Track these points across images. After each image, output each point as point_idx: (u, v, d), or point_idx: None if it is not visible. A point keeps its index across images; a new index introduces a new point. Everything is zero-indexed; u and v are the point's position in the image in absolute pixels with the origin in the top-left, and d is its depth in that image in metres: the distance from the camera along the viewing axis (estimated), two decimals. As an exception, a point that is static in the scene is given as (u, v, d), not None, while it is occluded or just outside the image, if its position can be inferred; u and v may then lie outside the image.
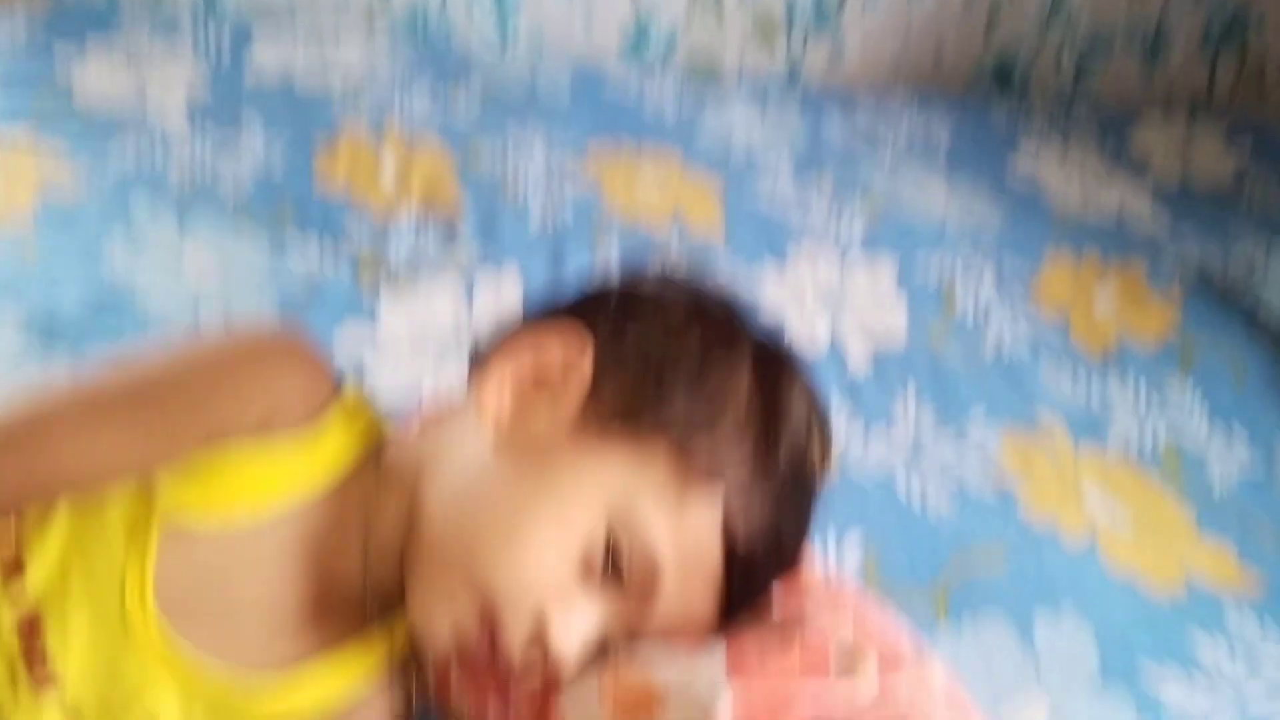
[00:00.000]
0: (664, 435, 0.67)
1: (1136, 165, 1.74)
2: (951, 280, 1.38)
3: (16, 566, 0.66)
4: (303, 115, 1.43)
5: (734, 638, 0.72)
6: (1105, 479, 1.13)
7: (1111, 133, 1.80)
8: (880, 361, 1.23)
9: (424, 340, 1.14)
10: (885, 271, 1.38)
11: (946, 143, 1.70)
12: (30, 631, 0.65)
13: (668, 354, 0.70)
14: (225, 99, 1.43)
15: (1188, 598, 1.02)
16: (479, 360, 0.77)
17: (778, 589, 0.75)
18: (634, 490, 0.66)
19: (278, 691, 0.70)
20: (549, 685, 0.75)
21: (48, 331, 1.03)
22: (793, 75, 1.91)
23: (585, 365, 0.70)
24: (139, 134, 1.32)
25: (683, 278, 0.79)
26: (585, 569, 0.67)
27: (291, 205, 1.27)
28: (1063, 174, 1.67)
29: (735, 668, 0.70)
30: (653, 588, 0.67)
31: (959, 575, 0.99)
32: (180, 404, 0.68)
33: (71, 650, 0.66)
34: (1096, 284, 1.44)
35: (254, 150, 1.35)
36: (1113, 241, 1.53)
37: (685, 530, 0.66)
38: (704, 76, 1.79)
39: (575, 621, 0.67)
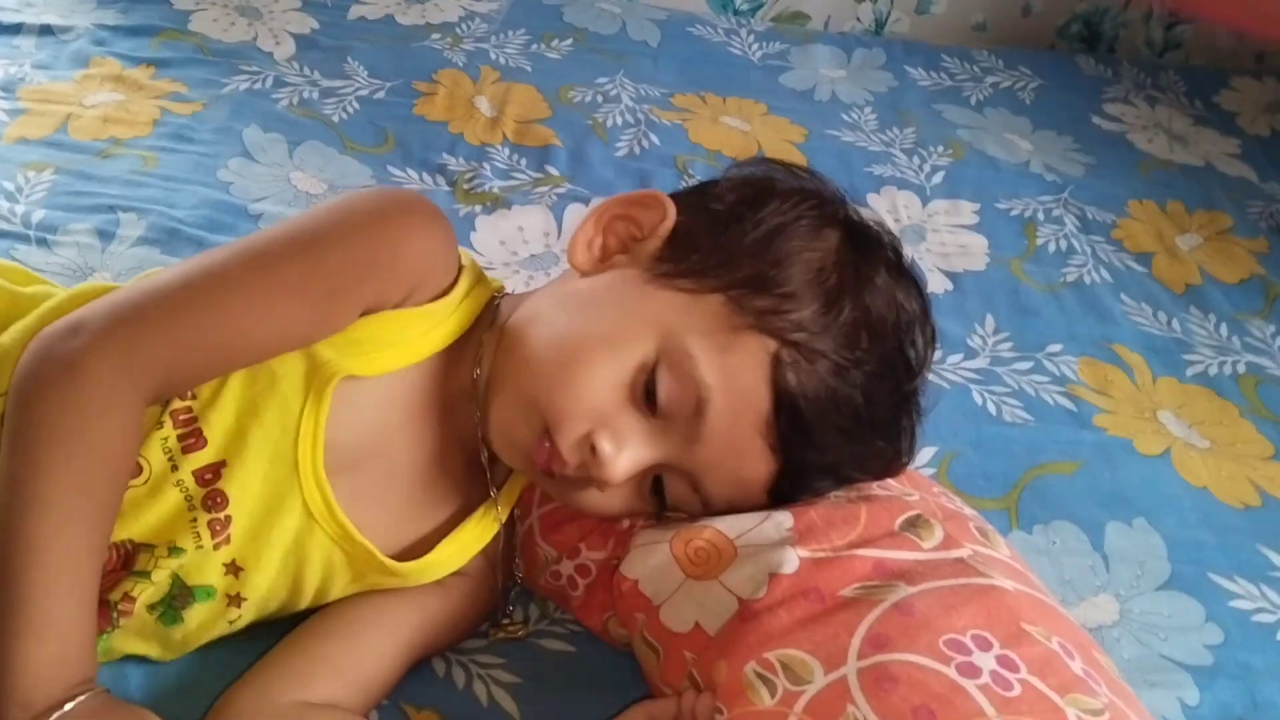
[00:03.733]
0: (722, 288, 0.71)
1: (1224, 122, 1.74)
2: (1033, 222, 1.40)
3: (196, 440, 0.70)
4: (404, 54, 1.51)
5: (800, 507, 0.75)
6: (1182, 403, 1.14)
7: (1199, 91, 1.80)
8: (960, 291, 1.26)
9: (516, 260, 1.19)
10: (966, 211, 1.40)
11: (1031, 95, 1.71)
12: (212, 478, 0.70)
13: (744, 219, 0.74)
14: (332, 39, 1.51)
15: (1262, 513, 1.03)
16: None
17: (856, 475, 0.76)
18: (684, 328, 0.71)
19: (409, 574, 0.76)
20: (617, 547, 0.80)
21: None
22: (879, 31, 1.94)
23: (665, 221, 0.76)
24: (252, 70, 1.40)
25: (796, 168, 0.81)
26: (635, 393, 0.71)
27: (393, 134, 1.34)
28: (1149, 128, 1.68)
29: (801, 531, 0.73)
30: (699, 419, 0.70)
31: (1032, 487, 1.01)
32: (343, 279, 0.71)
33: (247, 496, 0.71)
34: (1181, 231, 1.44)
35: (358, 84, 1.42)
36: (1198, 193, 1.53)
37: (730, 369, 0.69)
38: (790, 30, 1.82)
39: (624, 435, 0.71)
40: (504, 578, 0.82)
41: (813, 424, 0.70)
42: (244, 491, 0.70)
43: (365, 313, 0.73)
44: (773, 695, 0.64)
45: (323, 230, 0.72)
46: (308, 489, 0.71)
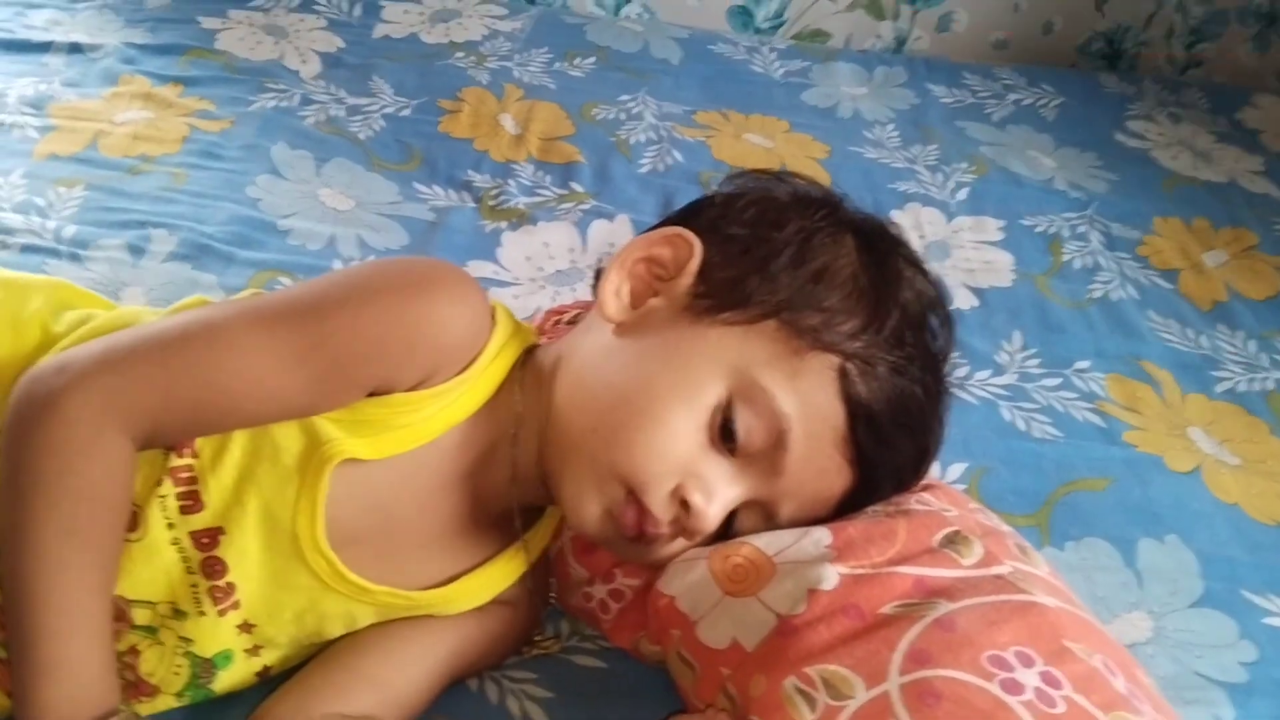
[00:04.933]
0: (772, 313, 0.71)
1: (1247, 140, 1.73)
2: (1058, 238, 1.40)
3: (195, 503, 0.68)
4: (429, 72, 1.52)
5: (839, 523, 0.74)
6: (1212, 419, 1.14)
7: (1222, 108, 1.79)
8: (986, 308, 1.26)
9: (542, 276, 1.19)
10: (991, 228, 1.40)
11: (1054, 112, 1.71)
12: (209, 543, 0.68)
13: (770, 240, 0.73)
14: (357, 57, 1.53)
15: (1294, 529, 1.02)
16: (600, 274, 0.82)
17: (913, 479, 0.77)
18: (749, 362, 0.70)
19: (436, 602, 0.75)
20: (653, 574, 0.79)
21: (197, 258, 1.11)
22: (899, 49, 1.94)
23: (694, 258, 0.74)
24: (279, 89, 1.41)
25: (780, 174, 0.82)
26: (713, 437, 0.70)
27: (419, 151, 1.34)
28: (1172, 145, 1.67)
29: (840, 548, 0.72)
30: (781, 451, 0.70)
31: (1063, 503, 1.01)
32: (348, 357, 0.68)
33: (247, 563, 0.69)
34: (1206, 248, 1.44)
35: (384, 102, 1.43)
36: (1223, 210, 1.53)
37: (803, 394, 0.70)
38: (811, 48, 1.83)
39: (711, 482, 0.70)
40: (540, 599, 0.82)
41: (887, 428, 0.71)
42: (243, 560, 0.69)
43: (373, 393, 0.70)
44: (813, 710, 0.64)
45: (335, 301, 0.69)
46: (312, 559, 0.70)
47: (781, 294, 0.71)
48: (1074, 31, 1.95)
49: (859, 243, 0.75)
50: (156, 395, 0.65)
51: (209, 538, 0.69)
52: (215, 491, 0.68)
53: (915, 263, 0.77)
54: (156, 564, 0.68)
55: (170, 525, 0.68)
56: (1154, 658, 0.88)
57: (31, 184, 1.17)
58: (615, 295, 0.76)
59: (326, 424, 0.69)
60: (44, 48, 1.41)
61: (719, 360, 0.71)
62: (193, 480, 0.68)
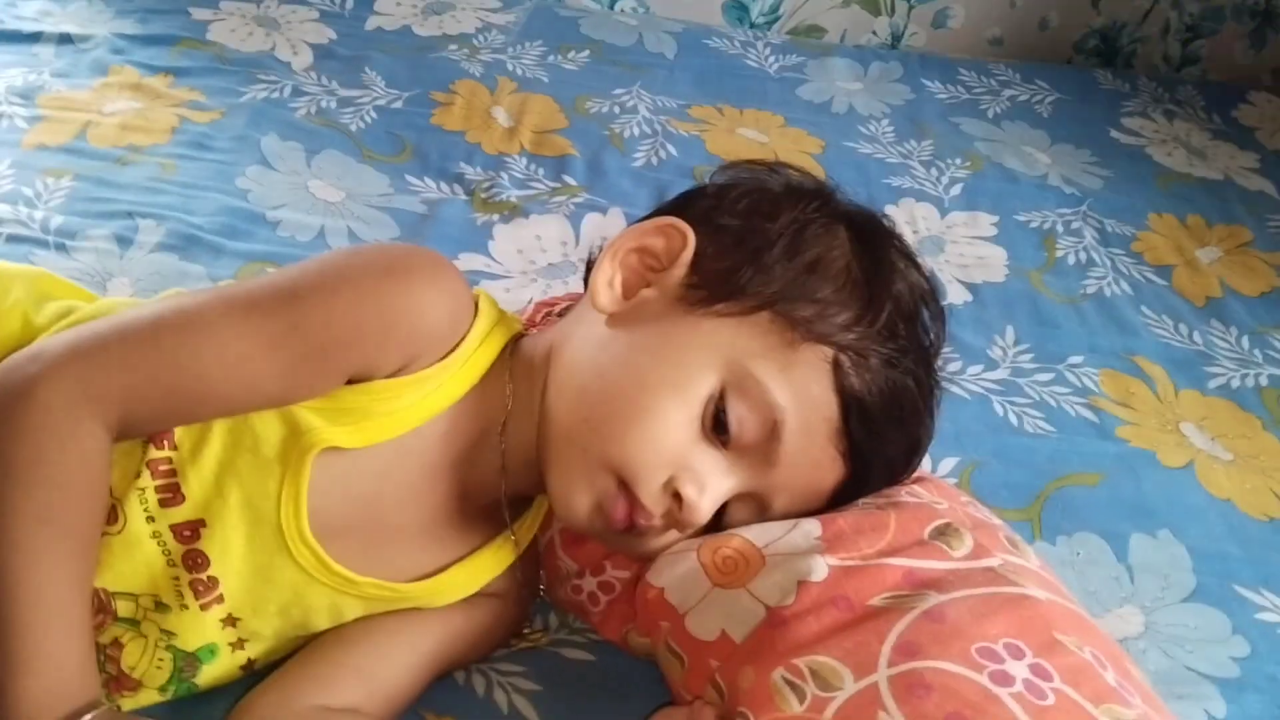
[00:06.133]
0: (766, 305, 0.70)
1: (1242, 137, 1.73)
2: (1052, 234, 1.40)
3: (174, 495, 0.68)
4: (421, 65, 1.51)
5: (829, 515, 0.74)
6: (1205, 415, 1.13)
7: (1217, 105, 1.79)
8: (980, 303, 1.25)
9: (533, 269, 1.18)
10: (985, 224, 1.40)
11: (1049, 109, 1.71)
12: (190, 535, 0.68)
13: (763, 231, 0.73)
14: (349, 49, 1.52)
15: (1287, 524, 1.02)
16: (591, 264, 0.81)
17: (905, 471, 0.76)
18: (742, 353, 0.69)
19: (422, 595, 0.74)
20: (643, 566, 0.78)
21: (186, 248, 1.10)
22: (895, 44, 1.93)
23: (687, 248, 0.74)
24: (270, 80, 1.40)
25: (773, 165, 0.82)
26: (705, 428, 0.70)
27: (411, 143, 1.34)
28: (1167, 142, 1.67)
29: (830, 540, 0.72)
30: (775, 442, 0.69)
31: (1055, 498, 1.00)
32: (323, 343, 0.67)
33: (230, 556, 0.68)
34: (1200, 244, 1.43)
35: (376, 94, 1.42)
36: (1218, 207, 1.53)
37: (796, 385, 0.69)
38: (807, 43, 1.82)
39: (704, 474, 0.70)
40: (528, 591, 0.81)
41: (879, 420, 0.70)
42: (226, 553, 0.68)
43: (352, 380, 0.69)
44: (801, 701, 0.63)
45: (310, 286, 0.68)
46: (296, 550, 0.69)
47: (775, 285, 0.71)
48: (1070, 28, 1.95)
49: (852, 234, 0.74)
50: (131, 381, 0.64)
51: (190, 530, 0.68)
52: (195, 484, 0.68)
53: (908, 255, 0.76)
54: (137, 557, 0.67)
55: (150, 518, 0.67)
56: (1146, 652, 0.88)
57: (19, 174, 1.16)
58: (608, 286, 0.75)
59: (307, 413, 0.68)
60: (34, 38, 1.40)
61: (712, 351, 0.70)
62: (172, 473, 0.68)
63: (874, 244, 0.74)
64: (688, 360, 0.70)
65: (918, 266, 0.76)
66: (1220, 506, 1.03)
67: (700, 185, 0.82)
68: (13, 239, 1.07)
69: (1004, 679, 0.62)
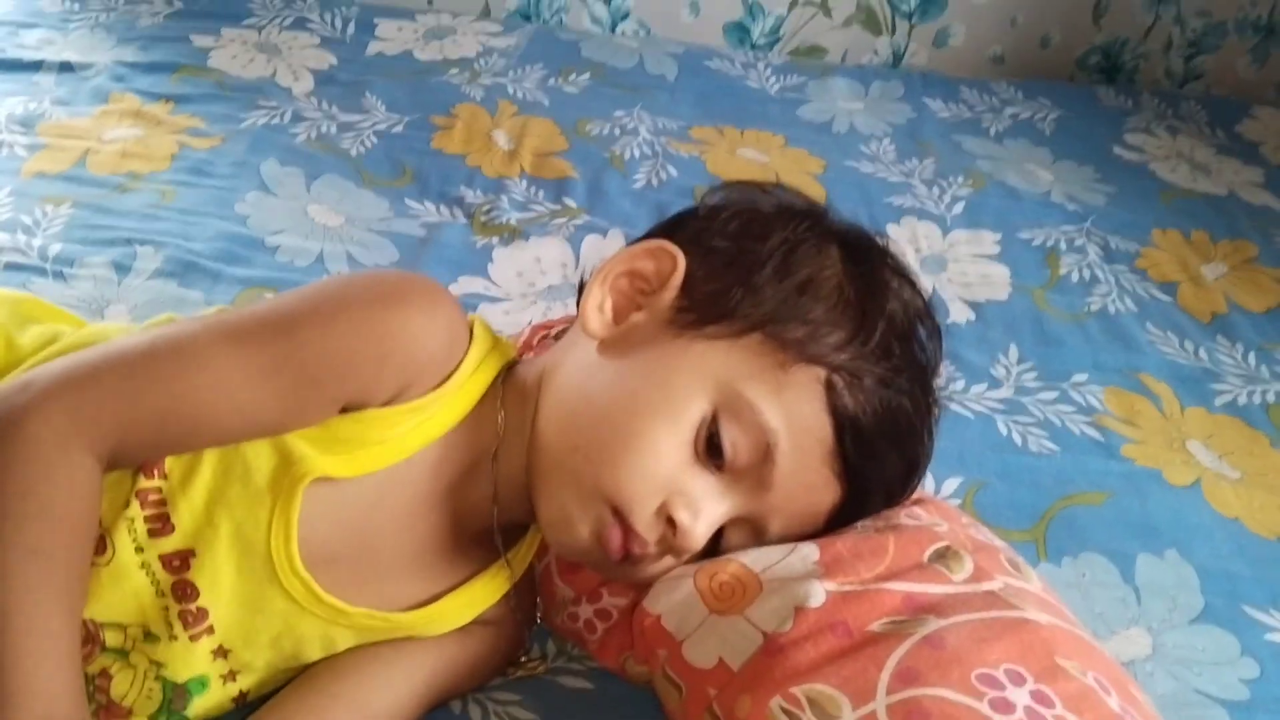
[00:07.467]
0: (757, 326, 0.70)
1: (1246, 152, 1.72)
2: (1055, 251, 1.39)
3: (164, 525, 0.67)
4: (422, 89, 1.51)
5: (827, 538, 0.73)
6: (1212, 432, 1.12)
7: (1220, 121, 1.78)
8: (983, 321, 1.24)
9: (533, 291, 1.18)
10: (987, 242, 1.39)
11: (1051, 126, 1.70)
12: (180, 566, 0.67)
13: (754, 252, 0.72)
14: (350, 74, 1.52)
15: (1296, 543, 1.00)
16: (583, 288, 0.81)
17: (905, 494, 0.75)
18: (734, 376, 0.69)
19: (416, 624, 0.73)
20: (640, 593, 0.77)
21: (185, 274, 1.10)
22: (896, 64, 1.93)
23: (677, 271, 0.73)
24: (270, 106, 1.41)
25: (765, 185, 0.81)
26: (697, 453, 0.69)
27: (411, 167, 1.34)
28: (1171, 158, 1.66)
29: (828, 564, 0.71)
30: (769, 465, 0.69)
31: (1060, 518, 0.99)
32: (317, 372, 0.66)
33: (220, 587, 0.67)
34: (1205, 260, 1.42)
35: (376, 119, 1.42)
36: (1222, 223, 1.51)
37: (789, 407, 0.68)
38: (808, 64, 1.82)
39: (697, 499, 0.69)
40: (525, 619, 0.80)
41: (875, 441, 0.70)
42: (216, 583, 0.67)
43: (346, 409, 0.69)
44: (799, 731, 0.62)
45: (304, 315, 0.67)
46: (287, 581, 0.68)
47: (766, 306, 0.70)
48: (1071, 45, 1.94)
49: (844, 253, 0.73)
50: (122, 412, 0.64)
51: (180, 560, 0.67)
52: (185, 513, 0.67)
53: (902, 273, 0.75)
54: (125, 587, 0.67)
55: (139, 549, 0.67)
56: (1153, 675, 0.87)
57: (18, 201, 1.16)
58: (598, 311, 0.74)
59: (299, 442, 0.68)
60: (35, 66, 1.41)
61: (703, 375, 0.69)
62: (161, 503, 0.67)
63: (866, 263, 0.74)
64: (678, 384, 0.70)
65: (913, 284, 0.75)
66: (1228, 525, 1.01)
67: (692, 207, 0.81)
68: (11, 267, 1.07)
69: (1005, 706, 0.61)
